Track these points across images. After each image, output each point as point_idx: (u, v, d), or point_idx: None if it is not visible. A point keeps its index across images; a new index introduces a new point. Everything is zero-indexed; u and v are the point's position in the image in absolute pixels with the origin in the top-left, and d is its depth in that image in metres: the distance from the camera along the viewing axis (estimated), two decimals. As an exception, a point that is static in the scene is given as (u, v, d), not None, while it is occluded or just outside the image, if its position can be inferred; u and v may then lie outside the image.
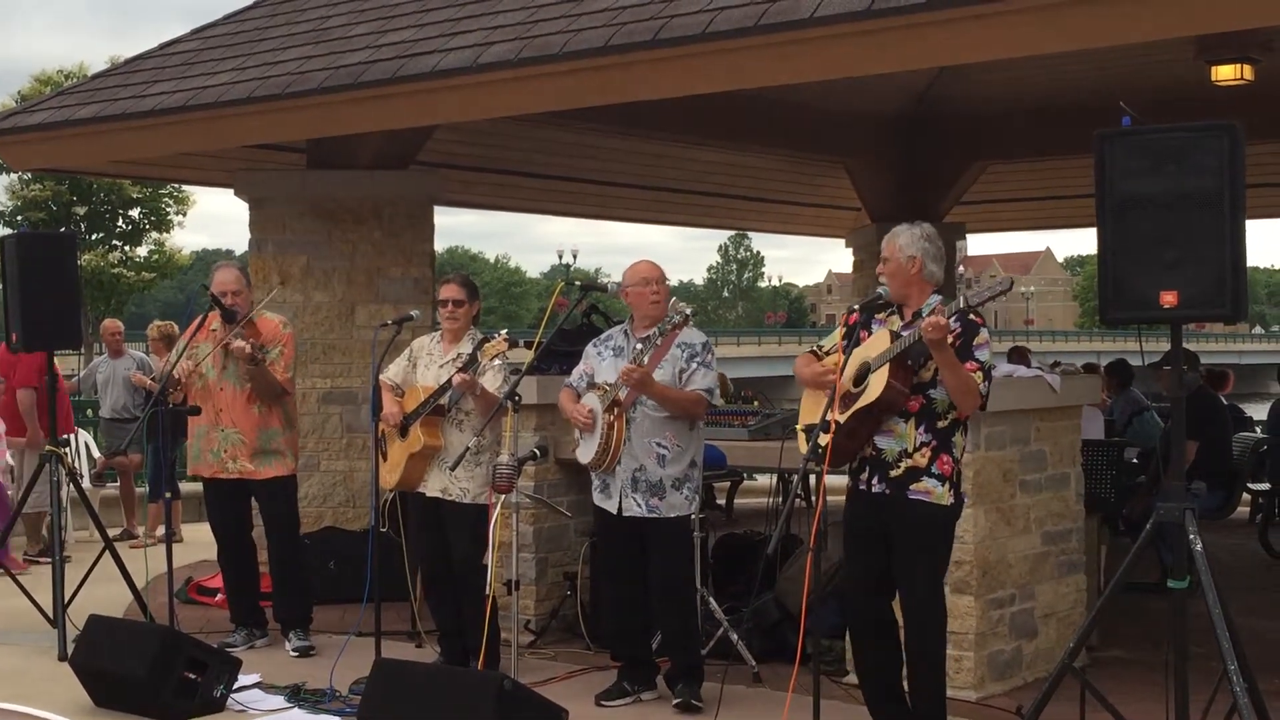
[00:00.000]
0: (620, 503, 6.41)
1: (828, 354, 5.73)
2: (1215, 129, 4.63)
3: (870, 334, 5.50)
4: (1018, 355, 11.35)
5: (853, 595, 5.76)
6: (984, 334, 5.37)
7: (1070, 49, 6.85)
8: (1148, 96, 7.73)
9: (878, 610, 5.64)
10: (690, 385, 6.38)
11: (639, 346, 6.34)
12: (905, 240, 5.53)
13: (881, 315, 5.57)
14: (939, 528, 5.48)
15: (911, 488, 5.41)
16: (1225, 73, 9.12)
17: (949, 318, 5.15)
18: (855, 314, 5.59)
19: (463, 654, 6.91)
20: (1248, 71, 9.09)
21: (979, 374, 5.32)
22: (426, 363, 7.04)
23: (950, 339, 5.18)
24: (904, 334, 5.42)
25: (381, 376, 7.08)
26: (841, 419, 5.39)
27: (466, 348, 6.84)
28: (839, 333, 5.74)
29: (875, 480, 5.47)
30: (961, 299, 5.19)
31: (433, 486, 6.92)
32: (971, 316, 5.37)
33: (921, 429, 5.42)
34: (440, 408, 6.84)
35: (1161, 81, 9.86)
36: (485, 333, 6.94)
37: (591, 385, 6.53)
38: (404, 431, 6.92)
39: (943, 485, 5.42)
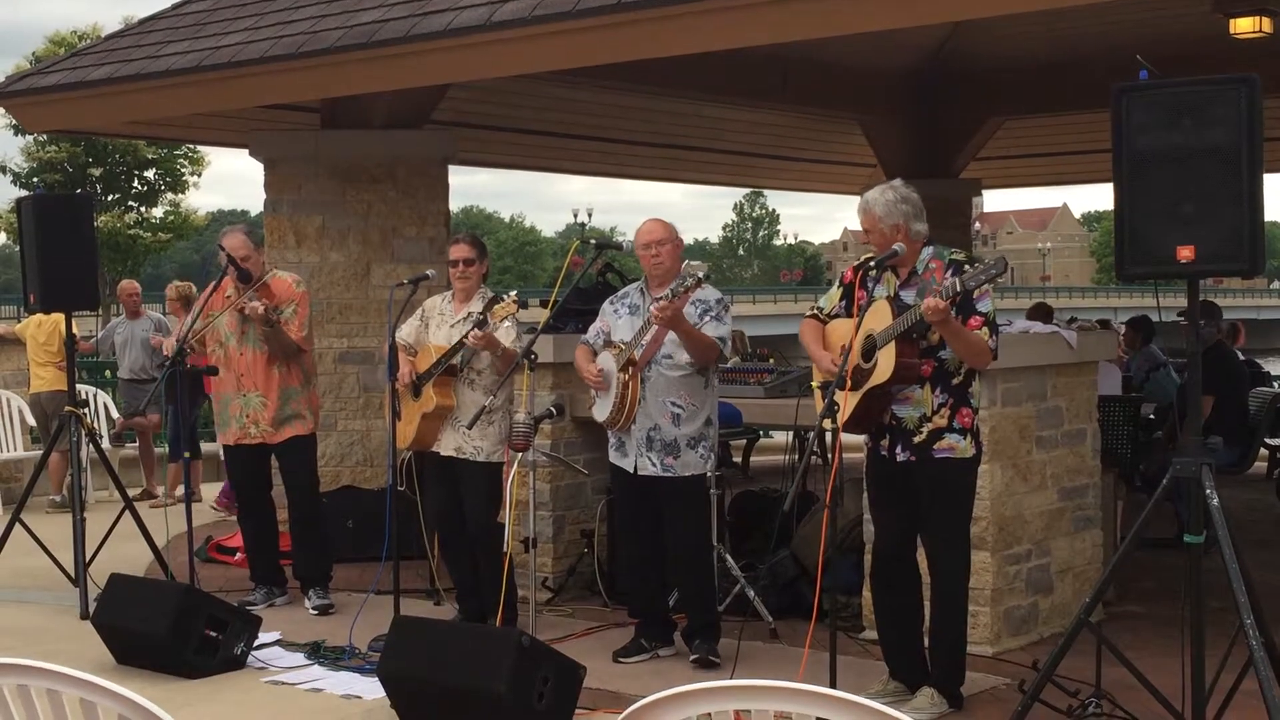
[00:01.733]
0: (636, 462, 6.43)
1: (830, 316, 5.73)
2: (1233, 82, 4.60)
3: (867, 294, 5.48)
4: (1040, 311, 11.33)
5: (877, 551, 5.80)
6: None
7: (1087, 2, 6.81)
8: (1165, 50, 7.68)
9: (903, 564, 5.68)
10: None
11: (654, 309, 6.31)
12: (882, 210, 5.51)
13: (874, 271, 5.55)
14: (965, 479, 5.55)
15: (936, 447, 5.45)
16: (1244, 25, 9.03)
17: (947, 300, 5.12)
18: (864, 271, 5.57)
19: (480, 611, 6.94)
20: (1266, 24, 9.00)
21: (985, 329, 5.33)
22: (438, 322, 7.05)
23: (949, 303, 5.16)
24: (902, 295, 5.42)
25: (395, 336, 7.10)
26: (856, 395, 5.39)
27: (477, 306, 6.85)
28: (836, 292, 5.74)
29: (899, 449, 5.50)
30: (957, 282, 5.17)
31: (446, 445, 6.94)
32: (967, 267, 5.37)
33: (937, 390, 5.44)
34: (452, 368, 6.85)
35: (1179, 35, 9.79)
36: (496, 291, 6.95)
37: (607, 343, 6.53)
38: (416, 392, 6.94)
39: (965, 438, 5.46)
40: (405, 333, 7.12)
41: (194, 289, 11.56)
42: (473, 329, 6.66)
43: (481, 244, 7.17)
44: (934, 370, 5.43)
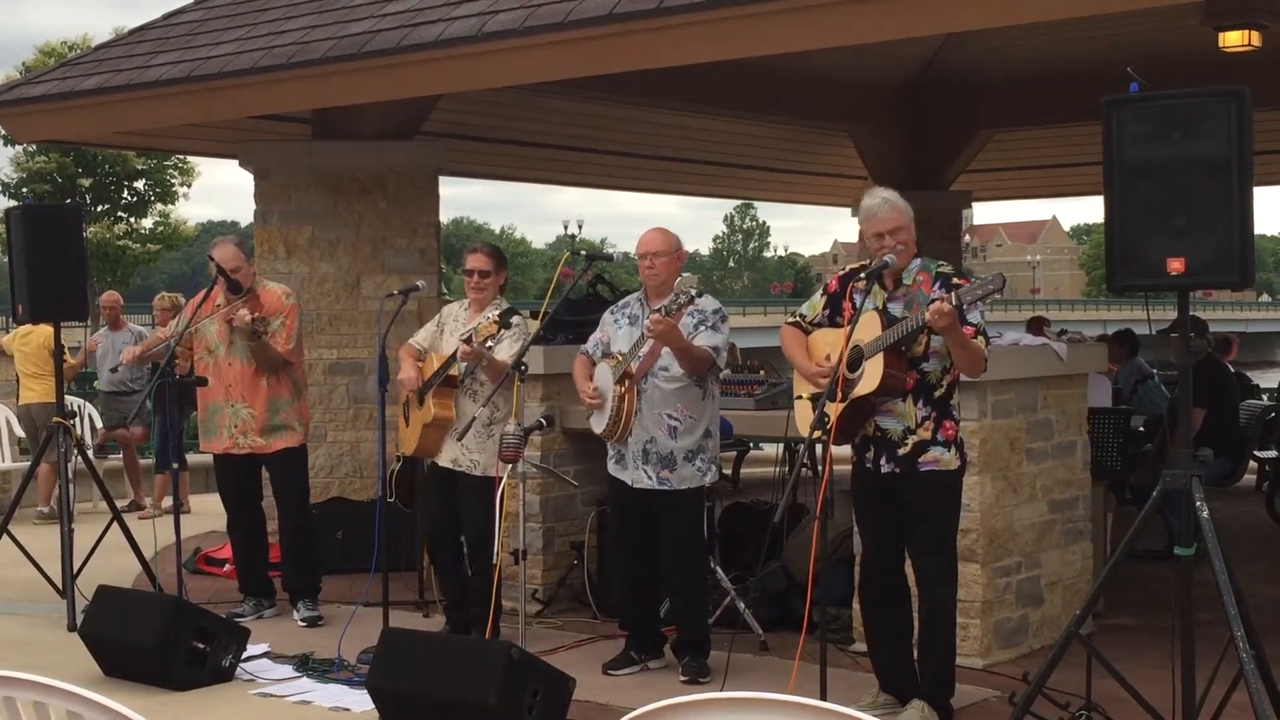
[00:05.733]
0: (632, 475, 6.40)
1: (812, 324, 5.72)
2: (1223, 95, 4.61)
3: (854, 306, 5.47)
4: (1036, 325, 11.38)
5: (865, 564, 5.79)
6: None
7: (1078, 15, 6.82)
8: (1155, 63, 7.70)
9: (891, 577, 5.68)
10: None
11: (648, 322, 6.26)
12: (905, 209, 5.51)
13: (860, 284, 5.54)
14: (950, 492, 5.55)
15: (921, 460, 5.45)
16: (1233, 38, 9.05)
17: (952, 305, 5.13)
18: (855, 282, 5.57)
19: (468, 624, 6.92)
20: (1255, 37, 9.02)
21: (979, 338, 5.34)
22: (452, 329, 7.02)
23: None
24: (890, 308, 5.42)
25: (411, 340, 7.09)
26: (840, 406, 5.39)
27: (491, 316, 6.83)
28: (820, 300, 5.73)
29: (884, 460, 5.49)
30: (953, 295, 5.17)
31: (445, 457, 6.92)
32: (954, 280, 5.37)
33: (920, 403, 5.44)
34: (453, 379, 6.83)
35: (1169, 48, 9.81)
36: (510, 302, 6.90)
37: (606, 354, 6.51)
38: (421, 400, 6.92)
39: (949, 450, 5.47)
40: (420, 337, 7.11)
41: (181, 300, 11.56)
42: (463, 341, 6.64)
43: (500, 255, 7.10)
44: (916, 383, 5.44)
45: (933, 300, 5.21)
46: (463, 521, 6.90)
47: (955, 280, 5.38)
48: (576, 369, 6.63)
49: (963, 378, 5.60)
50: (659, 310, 6.13)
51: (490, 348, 6.56)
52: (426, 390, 6.86)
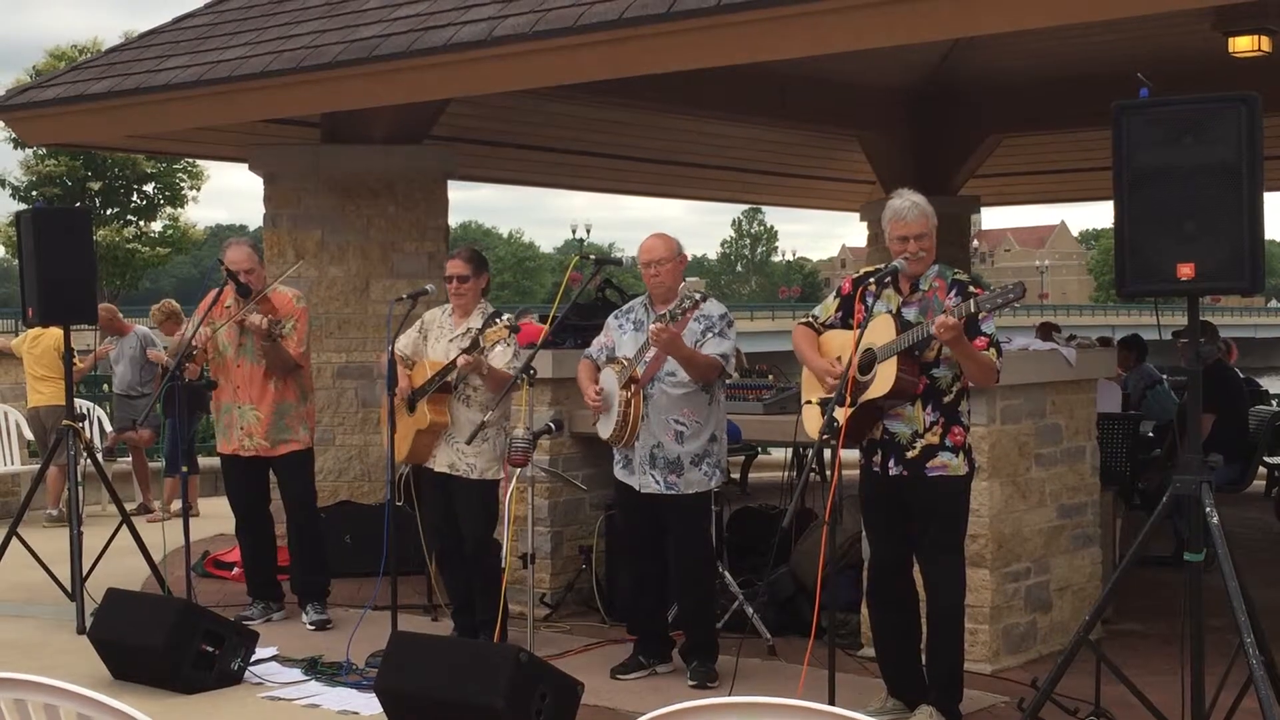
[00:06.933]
0: (639, 480, 6.40)
1: (824, 325, 5.72)
2: (1233, 100, 4.60)
3: (866, 309, 5.46)
4: (1046, 331, 11.38)
5: (873, 569, 5.78)
6: None
7: (1088, 20, 6.82)
8: (1165, 68, 7.70)
9: (899, 581, 5.67)
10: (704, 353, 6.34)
11: (651, 330, 6.26)
12: (931, 212, 5.49)
13: (873, 286, 5.53)
14: (958, 497, 5.54)
15: (929, 465, 5.44)
16: (1242, 44, 9.07)
17: (958, 319, 5.11)
18: (866, 285, 5.56)
19: (475, 627, 6.92)
20: (1265, 43, 9.04)
21: (991, 349, 5.33)
22: (437, 335, 7.03)
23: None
24: (904, 312, 5.42)
25: (393, 347, 7.09)
26: (851, 407, 5.38)
27: (476, 322, 6.83)
28: (833, 303, 5.73)
29: (891, 463, 5.49)
30: (972, 303, 5.16)
31: (440, 462, 6.92)
32: (971, 289, 5.36)
33: (929, 408, 5.44)
34: (447, 385, 6.83)
35: (1179, 53, 9.81)
36: (497, 306, 6.90)
37: (610, 359, 6.51)
38: (411, 406, 6.92)
39: (957, 456, 5.46)
40: (403, 345, 7.10)
41: (177, 307, 11.73)
42: (461, 352, 6.63)
43: (480, 258, 7.13)
44: (926, 388, 5.43)
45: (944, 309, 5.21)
46: (462, 526, 6.89)
47: (972, 289, 5.36)
48: (581, 372, 6.64)
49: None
50: (662, 317, 6.14)
51: (490, 351, 6.59)
52: (420, 397, 6.86)
